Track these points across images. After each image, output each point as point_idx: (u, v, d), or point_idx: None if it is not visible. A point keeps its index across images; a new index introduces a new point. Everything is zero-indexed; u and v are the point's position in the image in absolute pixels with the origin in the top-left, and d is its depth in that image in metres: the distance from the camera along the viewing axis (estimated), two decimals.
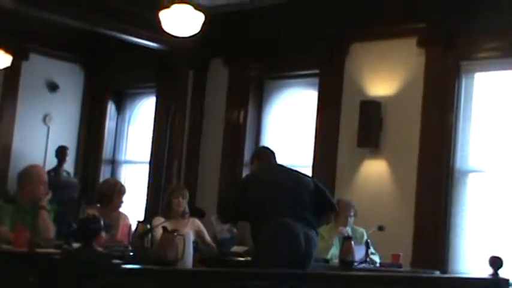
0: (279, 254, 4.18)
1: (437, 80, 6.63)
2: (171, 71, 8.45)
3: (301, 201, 4.52)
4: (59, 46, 9.05)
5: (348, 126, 7.11)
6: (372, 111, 6.92)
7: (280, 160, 7.74)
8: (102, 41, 8.77)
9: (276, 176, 4.61)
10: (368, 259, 5.39)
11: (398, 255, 5.53)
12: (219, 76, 8.25)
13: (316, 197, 4.60)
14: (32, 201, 4.81)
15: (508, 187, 6.27)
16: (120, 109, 9.47)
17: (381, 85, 7.00)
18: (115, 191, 5.37)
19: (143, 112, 9.21)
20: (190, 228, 5.53)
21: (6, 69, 8.36)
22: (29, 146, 8.77)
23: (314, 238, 4.47)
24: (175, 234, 3.92)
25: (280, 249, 4.20)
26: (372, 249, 5.56)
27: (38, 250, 3.96)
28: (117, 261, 2.37)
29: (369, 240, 5.56)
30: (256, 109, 8.11)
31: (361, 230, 5.92)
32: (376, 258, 5.61)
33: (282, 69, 7.91)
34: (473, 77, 6.61)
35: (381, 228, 5.72)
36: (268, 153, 4.91)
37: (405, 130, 6.78)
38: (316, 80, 7.58)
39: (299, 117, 7.80)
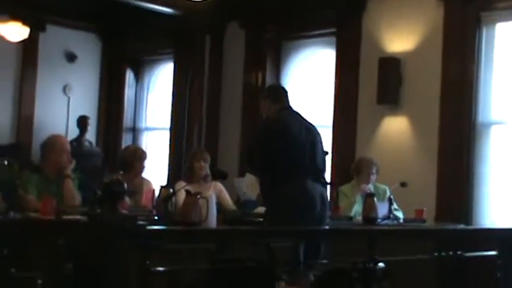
0: (296, 220, 4.17)
1: (457, 33, 6.54)
2: (188, 37, 8.43)
3: (319, 158, 4.58)
4: (75, 16, 9.04)
5: (367, 83, 7.07)
6: (391, 68, 6.88)
7: None
8: (119, 9, 8.75)
9: (297, 128, 4.58)
10: (391, 215, 5.40)
11: (422, 210, 5.53)
12: (235, 39, 8.22)
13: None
14: (56, 171, 4.87)
15: None
16: (138, 77, 9.48)
17: (399, 41, 6.93)
18: (136, 157, 5.43)
19: (162, 79, 9.22)
20: (213, 191, 5.56)
21: (24, 41, 8.40)
22: (51, 116, 8.84)
23: (327, 198, 4.57)
24: (198, 196, 3.95)
25: (297, 216, 4.20)
26: (395, 206, 5.56)
27: (65, 217, 4.02)
28: (143, 222, 2.40)
29: (391, 197, 5.56)
30: (274, 71, 8.08)
31: (384, 186, 5.92)
32: (400, 214, 5.62)
33: (299, 29, 7.85)
34: (494, 28, 6.51)
35: (403, 185, 5.71)
36: (283, 94, 4.81)
37: (425, 85, 6.73)
38: (333, 39, 7.52)
39: (318, 77, 7.76)
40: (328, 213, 4.63)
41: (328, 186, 6.20)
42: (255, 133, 4.90)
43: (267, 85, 7.97)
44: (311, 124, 4.78)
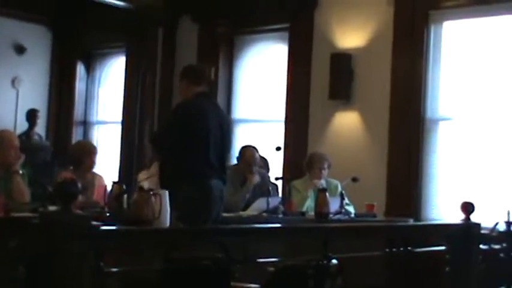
0: (194, 220, 4.09)
1: (406, 30, 6.66)
2: (140, 30, 8.36)
3: (226, 150, 4.62)
4: (25, 8, 8.86)
5: (319, 79, 7.13)
6: (342, 64, 6.95)
7: (252, 115, 7.88)
8: (69, 1, 8.61)
9: (212, 117, 4.50)
10: (343, 210, 5.47)
11: (373, 205, 5.62)
12: (188, 33, 8.18)
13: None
14: (4, 166, 4.78)
15: (477, 134, 6.37)
16: (89, 70, 9.36)
17: (350, 37, 7.00)
18: (86, 152, 5.37)
19: (113, 72, 9.12)
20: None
21: None
22: None
23: (224, 191, 4.60)
24: (151, 192, 3.92)
25: (195, 217, 4.11)
26: (346, 200, 5.63)
27: (15, 215, 3.95)
28: (96, 222, 2.38)
29: (343, 192, 5.63)
30: (227, 65, 8.08)
31: (336, 181, 5.99)
32: (351, 209, 5.69)
33: (252, 24, 7.86)
34: (441, 26, 6.64)
35: (354, 180, 5.79)
36: (202, 77, 4.68)
37: (376, 81, 6.83)
38: (286, 34, 7.56)
39: (270, 72, 7.79)
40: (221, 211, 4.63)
41: (281, 182, 6.29)
42: (168, 116, 4.75)
43: (219, 80, 7.99)
44: (224, 113, 4.81)
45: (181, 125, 4.46)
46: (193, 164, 4.38)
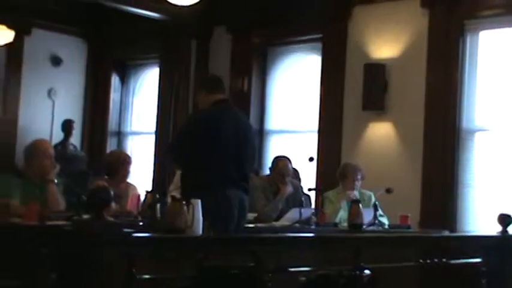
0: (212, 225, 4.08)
1: (441, 40, 6.59)
2: (174, 41, 8.42)
3: (246, 159, 4.49)
4: (61, 20, 9.00)
5: (352, 89, 7.09)
6: (376, 74, 6.91)
7: (285, 126, 7.86)
8: (104, 13, 8.72)
9: (228, 125, 4.42)
10: (377, 221, 5.41)
11: (407, 216, 5.55)
12: (222, 44, 8.21)
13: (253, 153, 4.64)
14: (40, 175, 4.83)
15: None
16: (124, 81, 9.45)
17: (384, 47, 6.97)
18: (120, 162, 5.40)
19: (147, 83, 9.19)
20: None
21: (9, 44, 8.34)
22: (35, 120, 8.79)
23: (247, 203, 4.52)
24: (184, 202, 3.93)
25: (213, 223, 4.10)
26: (380, 212, 5.57)
27: (49, 223, 3.99)
28: (128, 230, 2.39)
29: (377, 203, 5.57)
30: (261, 76, 8.09)
31: (369, 193, 5.93)
32: (385, 220, 5.64)
33: (285, 35, 7.86)
34: (477, 36, 6.57)
35: (388, 191, 5.72)
36: (218, 85, 4.64)
37: (410, 91, 6.77)
38: (319, 45, 7.54)
39: (303, 83, 7.77)
40: (248, 219, 4.59)
41: (313, 192, 6.25)
42: (183, 124, 4.68)
43: (252, 91, 8.00)
44: (245, 120, 4.67)
45: (193, 135, 4.43)
46: (208, 174, 4.34)
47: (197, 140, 4.38)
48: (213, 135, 4.38)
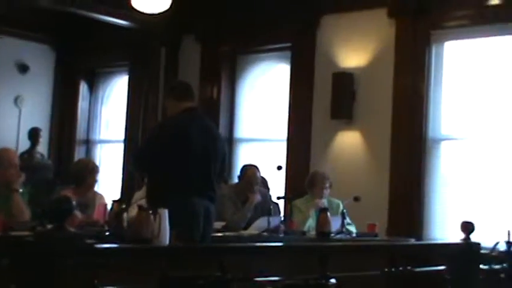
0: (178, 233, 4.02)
1: (408, 50, 6.66)
2: (143, 49, 8.40)
3: (213, 169, 4.43)
4: (28, 27, 8.91)
5: (321, 98, 7.13)
6: (344, 83, 6.96)
7: (254, 134, 7.87)
8: (73, 20, 8.65)
9: (195, 133, 4.37)
10: (344, 229, 5.44)
11: (374, 225, 5.59)
12: (191, 52, 8.20)
13: (221, 161, 4.55)
14: (4, 185, 4.77)
15: (479, 154, 6.35)
16: (92, 89, 9.38)
17: (352, 57, 7.02)
18: (88, 170, 5.36)
19: (116, 91, 9.14)
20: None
21: None
22: (1, 128, 8.68)
23: (213, 212, 4.46)
24: (151, 211, 3.91)
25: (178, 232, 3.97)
26: (348, 220, 5.61)
27: (13, 233, 3.94)
28: (90, 240, 2.37)
29: (344, 211, 5.61)
30: (230, 84, 8.09)
31: (337, 201, 5.96)
32: (353, 229, 5.67)
33: (254, 43, 7.89)
34: (443, 46, 6.65)
35: (356, 199, 5.76)
36: (187, 93, 4.57)
37: (378, 100, 6.82)
38: (288, 54, 7.58)
39: (273, 92, 7.79)
40: (216, 228, 4.53)
41: (282, 201, 6.26)
42: (149, 131, 4.61)
43: (221, 99, 8.00)
44: (213, 128, 4.63)
45: (159, 142, 4.39)
46: (173, 181, 4.30)
47: (163, 147, 4.34)
48: (179, 143, 4.34)
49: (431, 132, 6.59)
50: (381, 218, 6.18)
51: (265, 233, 5.29)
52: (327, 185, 6.00)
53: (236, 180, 6.29)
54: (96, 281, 2.23)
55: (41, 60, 9.17)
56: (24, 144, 8.63)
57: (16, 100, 8.90)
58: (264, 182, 6.50)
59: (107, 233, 4.33)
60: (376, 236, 5.51)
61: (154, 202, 4.15)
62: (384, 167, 6.66)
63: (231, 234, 5.24)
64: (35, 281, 2.17)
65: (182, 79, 8.22)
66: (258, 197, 5.88)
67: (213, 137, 4.54)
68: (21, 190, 4.81)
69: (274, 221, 5.51)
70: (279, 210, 6.35)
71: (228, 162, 7.93)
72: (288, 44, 7.56)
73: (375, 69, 6.87)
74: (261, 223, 5.48)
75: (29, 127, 8.76)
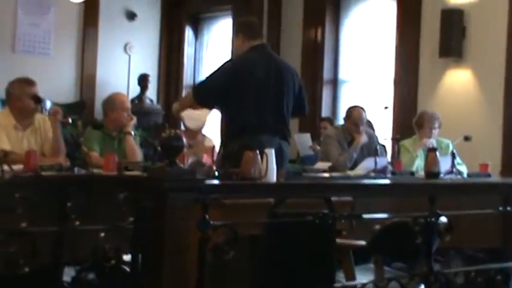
0: None
1: None
2: None
3: (284, 104, 4.27)
4: None
5: (429, 36, 6.91)
6: (454, 20, 6.70)
7: (360, 76, 7.75)
8: None
9: (262, 71, 4.24)
10: (454, 170, 5.29)
11: (487, 165, 5.41)
12: None
13: (296, 100, 4.37)
14: (117, 128, 4.94)
15: None
16: (197, 34, 9.49)
17: None
18: None
19: (220, 35, 9.20)
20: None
21: (85, 1, 8.51)
22: (112, 75, 8.98)
23: (286, 151, 4.31)
24: (257, 151, 3.94)
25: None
26: (458, 160, 5.44)
27: (127, 173, 4.08)
28: (201, 176, 2.41)
29: (454, 151, 5.44)
30: (334, 25, 7.97)
31: (447, 141, 5.80)
32: (463, 169, 5.51)
33: None
34: None
35: (467, 138, 5.57)
36: (256, 28, 4.45)
37: (490, 37, 6.53)
38: None
39: (378, 31, 7.61)
40: (286, 168, 4.33)
41: (389, 141, 6.17)
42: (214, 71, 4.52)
43: (325, 40, 7.90)
44: (283, 63, 4.42)
45: (223, 80, 4.27)
46: (239, 119, 4.20)
47: (225, 85, 4.23)
48: (244, 79, 4.22)
49: None
50: (494, 158, 5.98)
51: (372, 174, 5.24)
52: (436, 125, 5.83)
53: (341, 121, 6.24)
54: (206, 216, 2.28)
55: (148, 8, 9.35)
56: (135, 90, 8.91)
57: (125, 47, 9.15)
58: (369, 123, 6.41)
59: (216, 173, 4.41)
60: (489, 176, 5.34)
61: (226, 139, 4.16)
62: (497, 106, 6.41)
63: (337, 175, 5.22)
64: (149, 215, 2.25)
65: (285, 22, 8.19)
66: (364, 138, 5.80)
67: (283, 72, 4.35)
68: (133, 133, 4.97)
69: (381, 162, 5.42)
70: (386, 151, 6.26)
71: (333, 103, 8.00)
72: None
73: (487, 5, 6.55)
74: (367, 164, 5.42)
75: (138, 73, 9.01)
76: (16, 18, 8.38)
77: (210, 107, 4.77)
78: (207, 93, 4.38)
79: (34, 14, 8.47)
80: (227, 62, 4.47)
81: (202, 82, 4.56)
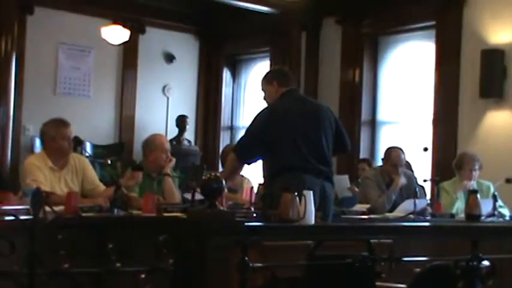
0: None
1: None
2: (284, 34, 8.45)
3: (324, 143, 4.26)
4: (173, 18, 9.25)
5: (468, 77, 6.86)
6: (494, 60, 6.65)
7: (399, 117, 7.71)
8: (215, 9, 8.87)
9: (297, 116, 4.25)
10: (496, 212, 5.19)
11: None
12: (332, 36, 8.16)
13: (336, 137, 4.35)
14: (157, 169, 4.97)
15: None
16: (235, 75, 9.58)
17: (503, 31, 6.69)
18: None
19: (258, 77, 9.25)
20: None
21: (125, 43, 8.68)
22: (151, 116, 9.08)
23: (330, 192, 4.27)
24: (296, 193, 3.93)
25: None
26: (500, 203, 5.35)
27: (166, 214, 4.10)
28: (240, 218, 2.41)
29: (496, 193, 5.35)
30: (372, 66, 7.97)
31: (488, 183, 5.71)
32: (506, 211, 5.41)
33: (396, 23, 7.72)
34: None
35: (508, 181, 5.48)
36: (289, 77, 4.51)
37: None
38: (432, 32, 7.35)
39: (416, 72, 7.59)
40: (331, 210, 4.30)
41: (428, 182, 6.09)
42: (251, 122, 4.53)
43: (363, 81, 7.90)
44: (314, 103, 4.45)
45: (259, 131, 4.31)
46: (282, 164, 4.20)
47: (267, 130, 4.26)
48: (282, 124, 4.24)
49: None
50: None
51: (411, 216, 5.17)
52: (477, 166, 5.75)
53: (380, 162, 6.19)
54: (246, 258, 2.27)
55: (186, 50, 9.49)
56: (173, 131, 8.99)
57: (164, 89, 9.27)
58: (408, 164, 6.36)
59: (254, 215, 4.40)
60: None
61: (268, 179, 4.15)
62: None
63: (376, 217, 5.16)
64: (189, 256, 2.25)
65: (323, 63, 8.23)
66: (403, 180, 5.75)
67: (317, 111, 4.37)
68: (172, 174, 5.00)
69: (421, 204, 5.35)
70: (425, 193, 6.18)
71: (371, 144, 7.96)
72: (433, 22, 7.32)
73: None
74: (406, 205, 5.35)
75: (176, 115, 9.11)
76: (57, 61, 8.57)
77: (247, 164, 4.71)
78: (250, 149, 4.38)
79: (75, 57, 8.66)
80: (262, 110, 4.50)
81: (242, 139, 4.56)
